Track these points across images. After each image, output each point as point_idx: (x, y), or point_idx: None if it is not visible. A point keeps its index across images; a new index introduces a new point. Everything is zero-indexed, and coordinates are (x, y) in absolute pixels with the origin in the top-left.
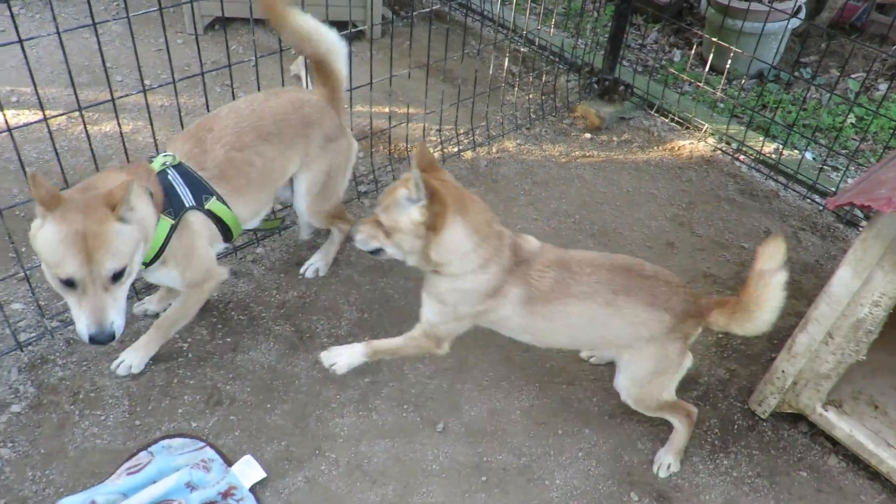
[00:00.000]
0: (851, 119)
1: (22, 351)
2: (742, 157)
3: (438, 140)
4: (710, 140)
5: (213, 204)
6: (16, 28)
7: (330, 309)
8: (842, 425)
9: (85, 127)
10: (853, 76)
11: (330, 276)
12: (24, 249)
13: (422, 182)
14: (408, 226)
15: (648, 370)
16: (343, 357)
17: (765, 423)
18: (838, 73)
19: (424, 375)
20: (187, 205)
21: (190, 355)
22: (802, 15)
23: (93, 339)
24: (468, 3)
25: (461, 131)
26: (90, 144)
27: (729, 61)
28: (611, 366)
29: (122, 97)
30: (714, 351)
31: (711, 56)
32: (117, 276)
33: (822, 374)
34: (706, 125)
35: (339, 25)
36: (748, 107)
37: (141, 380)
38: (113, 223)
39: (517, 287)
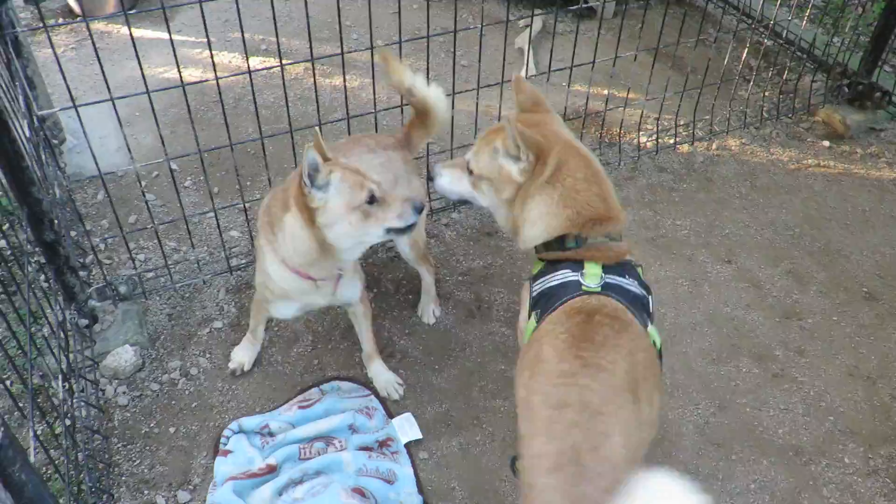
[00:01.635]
0: None
1: (231, 274)
2: None
3: (655, 129)
4: None
5: None
6: None
7: (512, 283)
8: None
9: (315, 79)
10: None
11: (515, 251)
12: (248, 183)
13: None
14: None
15: None
16: None
17: None
18: None
19: None
20: None
21: (374, 305)
22: None
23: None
24: None
25: (681, 122)
26: (316, 95)
27: None
28: (803, 395)
29: (349, 52)
30: None
31: None
32: None
33: None
34: None
35: (571, 3)
36: None
37: (326, 320)
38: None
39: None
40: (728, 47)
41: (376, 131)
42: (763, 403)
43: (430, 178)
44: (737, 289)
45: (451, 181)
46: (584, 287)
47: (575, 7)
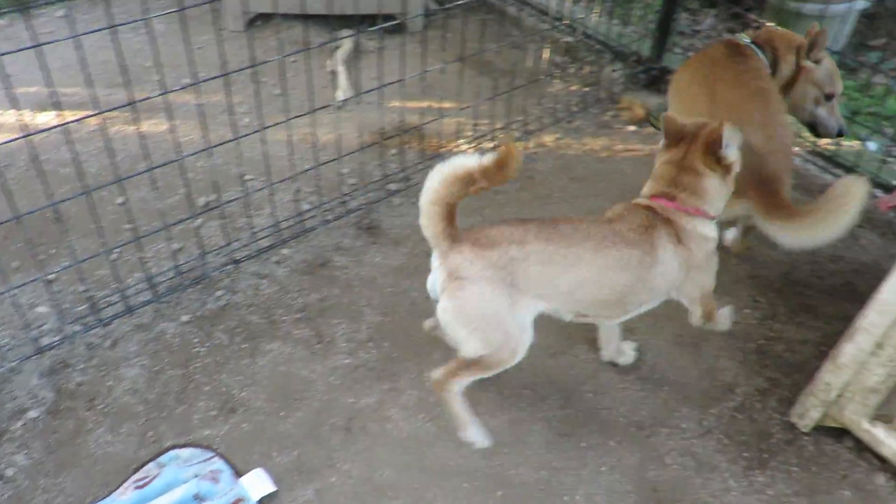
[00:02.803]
0: None
1: (43, 356)
2: (796, 148)
3: (473, 136)
4: None
5: None
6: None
7: (351, 312)
8: (890, 442)
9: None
10: None
11: (353, 277)
12: (52, 251)
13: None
14: None
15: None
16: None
17: (806, 438)
18: None
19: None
20: None
21: (207, 360)
22: None
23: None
24: None
25: (498, 126)
26: (110, 145)
27: None
28: (638, 373)
29: (143, 100)
30: (753, 359)
31: None
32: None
33: (870, 387)
34: None
35: (381, 18)
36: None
37: (156, 386)
38: None
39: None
40: (533, 48)
41: (185, 179)
42: (603, 387)
43: None
44: None
45: None
46: None
47: (384, 26)
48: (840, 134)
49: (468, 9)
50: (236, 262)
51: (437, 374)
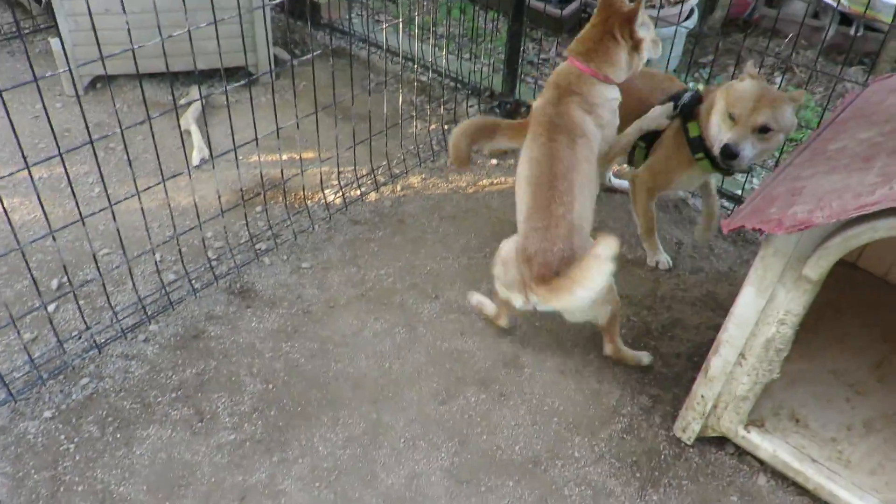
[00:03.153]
0: None
1: None
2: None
3: (339, 184)
4: None
5: None
6: None
7: (232, 384)
8: (765, 445)
9: None
10: None
11: (230, 346)
12: None
13: None
14: None
15: None
16: None
17: (691, 450)
18: (734, 70)
19: (337, 445)
20: None
21: (77, 457)
22: (695, 18)
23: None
24: (362, 36)
25: (362, 173)
26: None
27: None
28: (527, 406)
29: None
30: (634, 378)
31: None
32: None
33: (740, 395)
34: None
35: (231, 72)
36: None
37: (22, 494)
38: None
39: None
40: (387, 90)
41: (28, 266)
42: (496, 426)
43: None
44: (449, 322)
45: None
46: None
47: (240, 83)
48: (729, 156)
49: (311, 62)
50: (99, 346)
51: (608, 351)
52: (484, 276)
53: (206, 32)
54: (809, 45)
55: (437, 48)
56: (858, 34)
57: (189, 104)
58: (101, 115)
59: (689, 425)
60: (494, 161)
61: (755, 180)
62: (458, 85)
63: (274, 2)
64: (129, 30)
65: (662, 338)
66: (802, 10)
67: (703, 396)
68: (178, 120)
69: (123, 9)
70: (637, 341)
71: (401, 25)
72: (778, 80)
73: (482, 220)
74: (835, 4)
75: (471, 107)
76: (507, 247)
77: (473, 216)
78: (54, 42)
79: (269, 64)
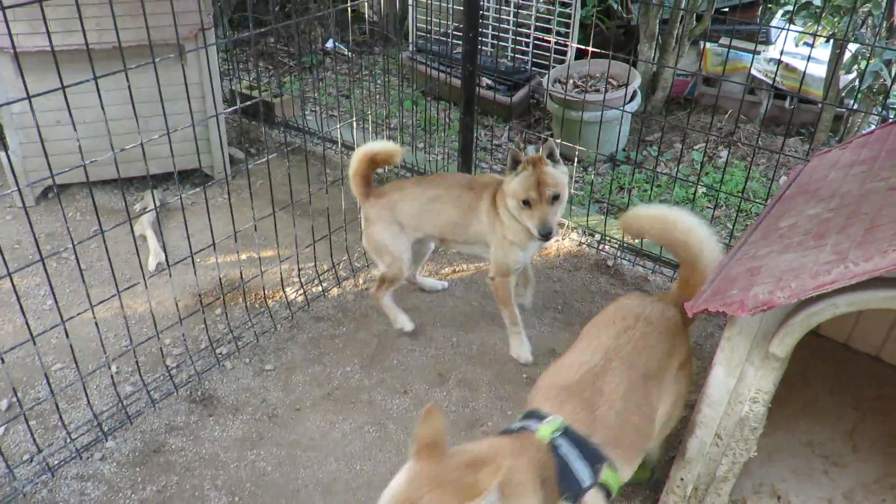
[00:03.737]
0: (702, 189)
1: None
2: (607, 246)
3: (300, 282)
4: (574, 235)
5: (606, 474)
6: None
7: (195, 499)
8: None
9: None
10: (696, 148)
11: (193, 458)
12: None
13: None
14: None
15: None
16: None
17: None
18: (682, 147)
19: None
20: (585, 484)
21: None
22: (639, 98)
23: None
24: (317, 132)
25: (324, 269)
26: None
27: (576, 153)
28: None
29: None
30: None
31: (557, 149)
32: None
33: (720, 476)
34: (566, 220)
35: (187, 174)
36: (605, 193)
37: None
38: None
39: None
40: (342, 185)
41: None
42: None
43: None
44: (417, 415)
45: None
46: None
47: (196, 189)
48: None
49: (276, 152)
50: (52, 469)
51: (371, 292)
52: (453, 365)
53: (161, 139)
54: (748, 119)
55: (392, 140)
56: (793, 107)
57: (143, 209)
58: (54, 224)
59: None
60: (455, 249)
61: None
62: (414, 174)
63: (228, 110)
64: (79, 144)
65: None
66: (739, 88)
67: (682, 479)
68: (131, 227)
69: (73, 125)
70: None
71: (354, 122)
72: (724, 154)
73: (447, 310)
74: (770, 81)
75: None
76: None
77: (438, 306)
78: (2, 156)
79: (225, 166)
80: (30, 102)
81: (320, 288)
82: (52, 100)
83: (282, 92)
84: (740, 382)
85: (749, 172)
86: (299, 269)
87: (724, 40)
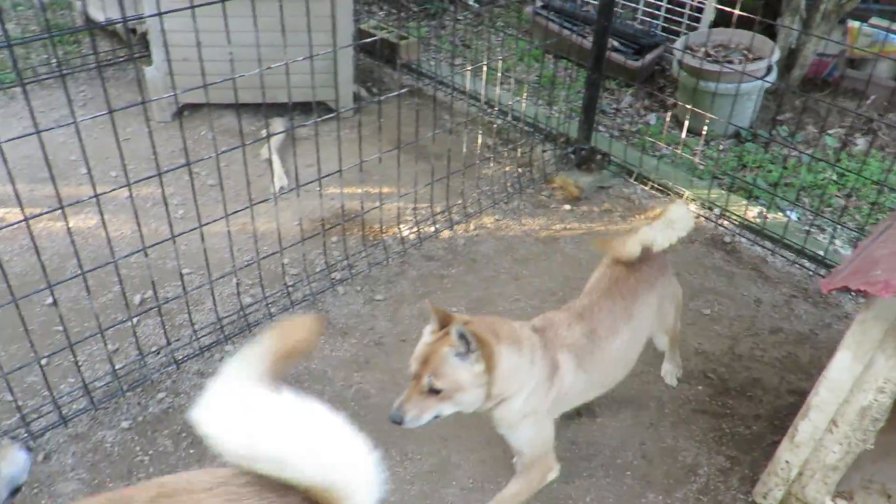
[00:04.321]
0: (833, 176)
1: None
2: (726, 222)
3: (414, 220)
4: (692, 206)
5: None
6: None
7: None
8: None
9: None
10: (830, 132)
11: (303, 372)
12: None
13: (469, 333)
14: (471, 381)
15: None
16: None
17: None
18: (816, 131)
19: (405, 480)
20: None
21: (151, 469)
22: (774, 75)
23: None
24: (439, 78)
25: (437, 210)
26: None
27: (705, 125)
28: (600, 458)
29: (73, 203)
30: (711, 437)
31: (687, 120)
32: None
33: (829, 464)
34: (686, 191)
35: (310, 106)
36: (728, 169)
37: None
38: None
39: (564, 353)
40: (465, 131)
41: (120, 280)
42: (568, 475)
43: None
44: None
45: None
46: None
47: (324, 118)
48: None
49: (398, 99)
50: (177, 362)
51: None
52: None
53: (294, 67)
54: (891, 106)
55: (512, 93)
56: None
57: (271, 135)
58: (188, 141)
59: (771, 491)
60: (567, 206)
61: (837, 241)
62: (534, 130)
63: (363, 41)
64: (231, 60)
65: (740, 397)
66: (887, 72)
67: (787, 462)
68: (270, 147)
69: (228, 38)
70: (713, 399)
71: (486, 72)
72: (860, 142)
73: (555, 264)
74: None
75: (545, 151)
76: None
77: (546, 260)
78: (149, 70)
79: (356, 98)
80: (160, 20)
81: (433, 228)
82: (197, 20)
83: (407, 35)
84: (868, 370)
85: (891, 165)
86: (415, 208)
87: (875, 20)
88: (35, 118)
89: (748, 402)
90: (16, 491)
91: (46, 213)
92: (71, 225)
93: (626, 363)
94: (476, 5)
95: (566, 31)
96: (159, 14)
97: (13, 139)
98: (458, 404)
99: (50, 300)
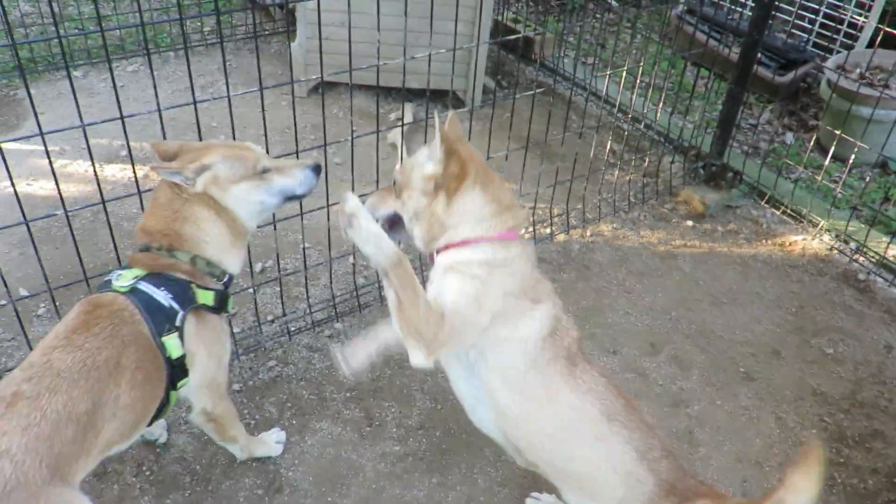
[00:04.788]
0: None
1: None
2: (862, 258)
3: (531, 220)
4: (826, 237)
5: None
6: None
7: (403, 396)
8: None
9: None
10: None
11: (404, 360)
12: None
13: (441, 141)
14: (418, 180)
15: None
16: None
17: None
18: None
19: (496, 482)
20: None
21: (257, 433)
22: None
23: None
24: (573, 78)
25: (556, 213)
26: None
27: (853, 152)
28: None
29: None
30: (822, 486)
31: (833, 146)
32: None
33: None
34: (822, 221)
35: (439, 94)
36: (870, 201)
37: (204, 457)
38: None
39: (547, 302)
40: (593, 134)
41: (248, 250)
42: None
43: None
44: (624, 379)
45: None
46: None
47: (461, 110)
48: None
49: (532, 96)
50: (290, 333)
51: None
52: (667, 339)
53: (424, 55)
54: None
55: (644, 99)
56: None
57: (398, 120)
58: (318, 117)
59: None
60: (690, 223)
61: None
62: (664, 139)
63: (506, 38)
64: (378, 46)
65: (858, 448)
66: None
67: None
68: (402, 131)
69: (378, 26)
70: (827, 445)
71: (622, 76)
72: None
73: (671, 282)
74: None
75: (673, 163)
76: None
77: (662, 276)
78: (294, 46)
79: (479, 91)
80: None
81: (548, 230)
82: (342, 1)
83: (544, 30)
84: None
85: None
86: (534, 208)
87: None
88: (193, 86)
89: (866, 454)
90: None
91: None
92: None
93: (560, 446)
94: (616, 3)
95: (712, 41)
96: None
97: (171, 108)
98: (406, 210)
99: None
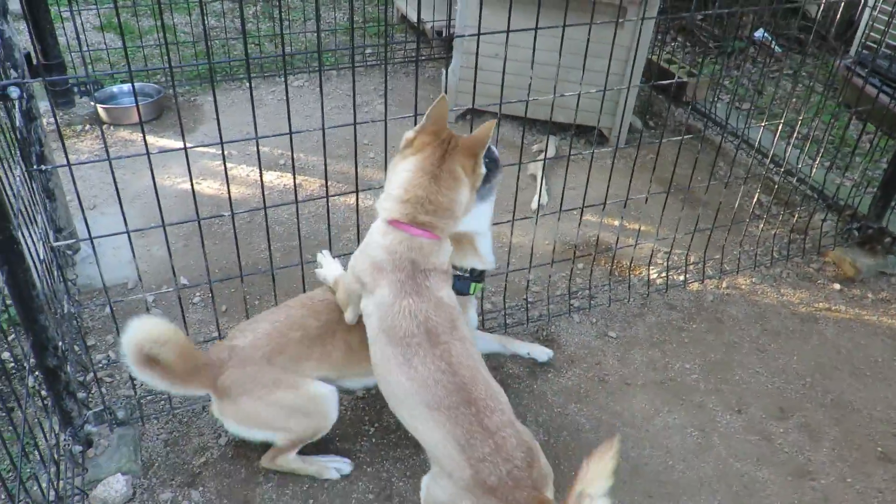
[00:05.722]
0: None
1: None
2: None
3: (665, 265)
4: None
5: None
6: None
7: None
8: None
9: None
10: None
11: (524, 389)
12: (256, 303)
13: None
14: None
15: None
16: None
17: None
18: None
19: None
20: None
21: (374, 441)
22: None
23: None
24: (724, 124)
25: (692, 260)
26: (328, 216)
27: None
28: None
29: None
30: None
31: None
32: None
33: None
34: None
35: (585, 129)
36: None
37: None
38: None
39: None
40: (740, 183)
41: None
42: None
43: None
44: (747, 442)
45: None
46: None
47: (600, 147)
48: None
49: (674, 131)
50: None
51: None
52: (797, 406)
53: (573, 91)
54: None
55: (800, 151)
56: None
57: (540, 152)
58: None
59: None
60: (837, 286)
61: None
62: (817, 196)
63: (661, 83)
64: (530, 83)
65: None
66: None
67: None
68: (538, 164)
69: (532, 64)
70: None
71: (780, 127)
72: None
73: (809, 347)
74: None
75: (824, 221)
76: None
77: (800, 338)
78: (450, 72)
79: (625, 129)
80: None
81: (682, 278)
82: (499, 34)
83: (698, 73)
84: None
85: None
86: (669, 253)
87: None
88: (355, 107)
89: None
90: None
91: (342, 194)
92: (352, 201)
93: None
94: (779, 49)
95: (884, 96)
96: (478, 35)
97: (333, 127)
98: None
99: None
